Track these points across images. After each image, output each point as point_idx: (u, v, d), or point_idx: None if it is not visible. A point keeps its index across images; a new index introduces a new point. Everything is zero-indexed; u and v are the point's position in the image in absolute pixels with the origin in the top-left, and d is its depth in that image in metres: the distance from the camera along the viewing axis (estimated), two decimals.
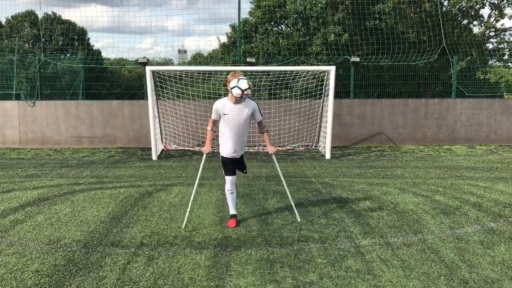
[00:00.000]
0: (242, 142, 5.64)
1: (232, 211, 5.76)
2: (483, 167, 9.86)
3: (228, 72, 13.56)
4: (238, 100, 5.33)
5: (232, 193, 5.72)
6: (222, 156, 5.69)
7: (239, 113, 5.38)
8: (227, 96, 5.44)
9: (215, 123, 5.64)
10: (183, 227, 5.55)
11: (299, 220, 5.78)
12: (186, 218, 5.70)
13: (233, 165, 5.69)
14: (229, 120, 5.41)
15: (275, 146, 12.28)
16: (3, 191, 7.71)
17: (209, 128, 5.65)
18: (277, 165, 6.01)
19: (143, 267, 4.36)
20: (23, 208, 6.54)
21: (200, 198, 7.01)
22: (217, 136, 5.82)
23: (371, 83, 15.69)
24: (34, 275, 4.18)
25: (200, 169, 5.89)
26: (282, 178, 6.05)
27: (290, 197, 6.02)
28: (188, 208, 5.80)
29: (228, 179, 5.68)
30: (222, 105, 5.42)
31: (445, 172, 9.29)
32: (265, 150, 5.93)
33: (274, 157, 5.91)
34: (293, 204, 5.96)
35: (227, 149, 5.59)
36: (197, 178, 5.88)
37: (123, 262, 4.49)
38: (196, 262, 4.49)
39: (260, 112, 5.57)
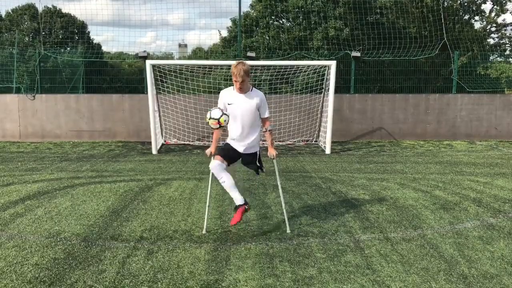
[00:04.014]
0: (250, 138, 5.10)
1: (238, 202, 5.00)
2: (483, 162, 9.86)
3: (229, 66, 13.58)
4: (244, 90, 4.96)
5: (224, 181, 4.95)
6: (224, 143, 5.20)
7: (244, 103, 4.99)
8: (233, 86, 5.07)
9: None
10: (203, 232, 5.18)
11: (288, 231, 5.18)
12: (205, 224, 5.25)
13: (232, 153, 5.10)
14: (233, 110, 4.99)
15: (277, 141, 12.30)
16: (3, 184, 7.71)
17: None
18: (277, 172, 5.39)
19: (143, 261, 4.37)
20: (23, 202, 6.55)
21: (200, 192, 7.02)
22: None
23: (371, 78, 15.66)
24: (33, 268, 4.19)
25: (210, 180, 5.35)
26: (280, 189, 5.47)
27: (283, 206, 5.39)
28: (206, 214, 5.33)
29: (215, 161, 4.98)
30: (227, 93, 5.06)
31: (445, 167, 9.28)
32: (265, 145, 5.60)
33: (275, 162, 5.29)
34: (286, 216, 5.37)
35: (232, 142, 5.15)
36: (209, 187, 5.38)
37: (123, 256, 4.50)
38: (196, 256, 4.50)
39: (267, 109, 5.14)
